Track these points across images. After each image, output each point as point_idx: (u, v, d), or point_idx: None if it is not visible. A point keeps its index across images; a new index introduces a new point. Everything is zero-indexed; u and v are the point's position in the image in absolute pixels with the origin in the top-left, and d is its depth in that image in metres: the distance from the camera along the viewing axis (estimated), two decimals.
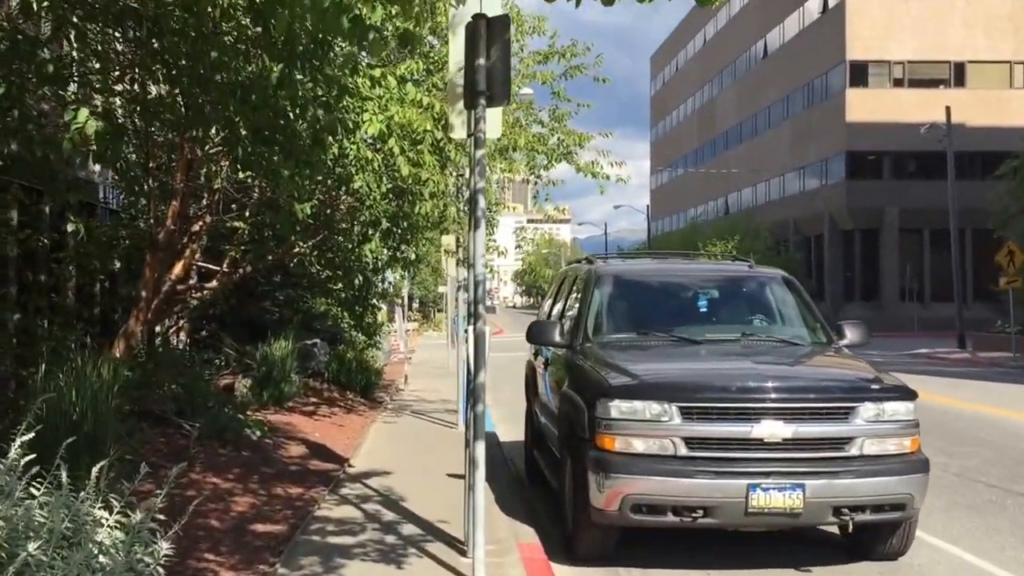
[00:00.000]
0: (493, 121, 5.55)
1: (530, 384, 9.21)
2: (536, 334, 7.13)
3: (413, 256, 11.99)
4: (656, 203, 79.54)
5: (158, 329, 13.53)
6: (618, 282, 7.48)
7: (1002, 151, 45.09)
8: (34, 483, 4.82)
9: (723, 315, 7.43)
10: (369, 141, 9.32)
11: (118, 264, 13.07)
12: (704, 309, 7.33)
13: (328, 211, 11.34)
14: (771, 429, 5.82)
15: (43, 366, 5.96)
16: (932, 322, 43.75)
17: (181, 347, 14.55)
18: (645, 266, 8.32)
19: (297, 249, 11.90)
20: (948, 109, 34.76)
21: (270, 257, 12.06)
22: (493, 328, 15.53)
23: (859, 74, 46.70)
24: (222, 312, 15.33)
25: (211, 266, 12.87)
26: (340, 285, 14.31)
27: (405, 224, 11.04)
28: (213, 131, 7.96)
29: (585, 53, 11.77)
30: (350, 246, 10.63)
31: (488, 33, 5.18)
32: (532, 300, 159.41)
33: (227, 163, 10.98)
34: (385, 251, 11.06)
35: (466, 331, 6.02)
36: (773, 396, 5.90)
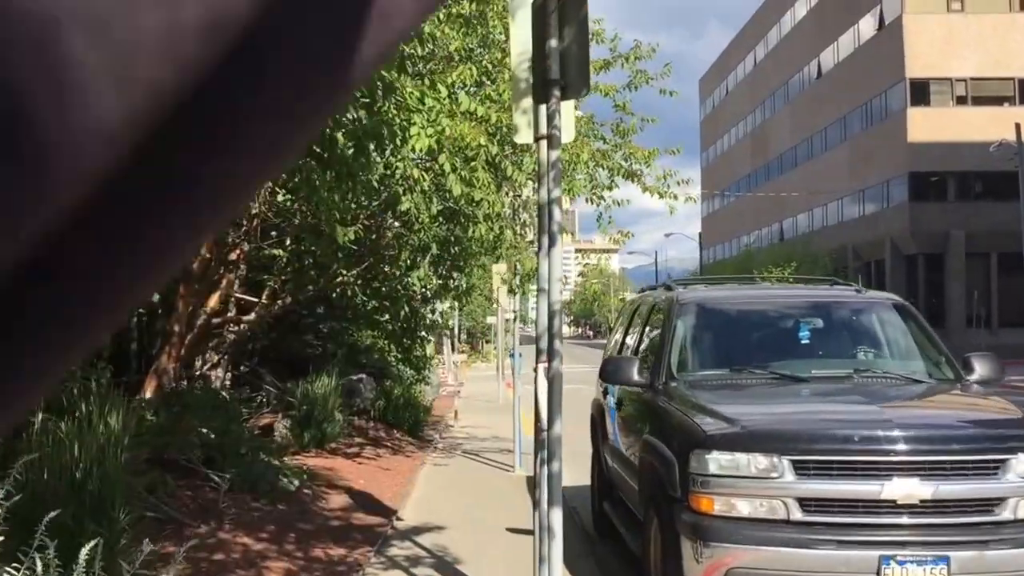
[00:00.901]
0: (567, 118, 4.62)
1: (598, 427, 8.19)
2: (612, 372, 6.15)
3: (464, 285, 11.07)
4: (707, 231, 78.00)
5: (198, 364, 12.82)
6: (705, 311, 6.46)
7: None
8: (10, 567, 3.93)
9: (830, 348, 6.37)
10: (417, 159, 8.47)
11: (156, 297, 12.40)
12: (806, 341, 6.28)
13: (373, 236, 10.51)
14: (906, 488, 4.76)
15: (39, 416, 5.11)
16: (1001, 349, 41.40)
17: (219, 384, 13.81)
18: (734, 293, 7.28)
19: (340, 278, 11.08)
20: (1018, 126, 33.21)
21: (311, 287, 11.25)
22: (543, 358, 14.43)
23: (920, 92, 45.13)
24: (262, 346, 14.56)
25: (249, 298, 12.10)
26: (387, 316, 13.46)
27: (456, 249, 10.15)
28: None
29: (651, 56, 10.81)
30: (397, 273, 9.76)
31: (561, 8, 4.27)
32: (580, 330, 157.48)
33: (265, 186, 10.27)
34: (434, 279, 10.16)
35: (535, 370, 5.07)
36: (906, 447, 4.85)
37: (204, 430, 8.53)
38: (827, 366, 6.08)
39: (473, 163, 8.76)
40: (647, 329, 7.11)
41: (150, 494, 6.38)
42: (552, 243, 4.54)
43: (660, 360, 6.12)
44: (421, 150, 8.07)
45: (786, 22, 60.96)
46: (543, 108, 4.83)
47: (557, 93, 4.39)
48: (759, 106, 67.04)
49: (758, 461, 4.82)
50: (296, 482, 8.42)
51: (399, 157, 8.31)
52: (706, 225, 79.89)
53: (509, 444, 13.55)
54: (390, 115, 6.38)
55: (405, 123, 7.99)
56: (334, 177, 5.86)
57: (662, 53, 11.42)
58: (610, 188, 11.16)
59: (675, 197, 11.41)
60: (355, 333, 16.63)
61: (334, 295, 11.15)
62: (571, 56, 4.30)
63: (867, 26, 49.11)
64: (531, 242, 10.92)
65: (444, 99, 7.98)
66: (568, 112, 4.68)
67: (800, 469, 4.79)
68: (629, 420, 6.64)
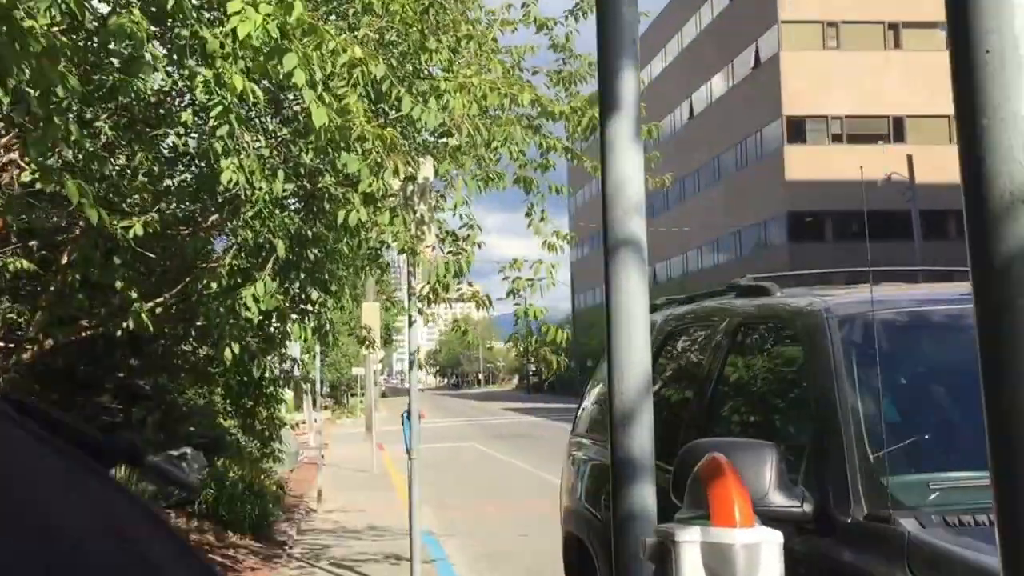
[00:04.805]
0: None
1: None
2: (686, 482, 2.42)
3: (327, 314, 7.23)
4: (577, 276, 76.15)
5: None
6: (912, 333, 2.86)
7: (947, 209, 43.03)
8: None
9: None
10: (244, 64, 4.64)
11: None
12: None
13: (185, 234, 6.55)
14: None
15: None
16: None
17: None
18: (922, 295, 3.55)
19: (135, 307, 7.02)
20: (910, 158, 31.90)
21: (85, 323, 7.15)
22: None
23: (796, 130, 44.05)
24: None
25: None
26: (220, 367, 9.41)
27: (316, 253, 6.30)
28: None
29: None
30: (214, 288, 5.80)
31: None
32: (446, 380, 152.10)
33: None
34: (282, 300, 6.17)
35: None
36: None
37: None
38: None
39: (346, 89, 5.05)
40: (723, 376, 3.47)
41: None
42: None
43: (826, 451, 2.49)
44: (247, 41, 4.30)
45: (656, 64, 60.00)
46: None
47: None
48: None
49: None
50: None
51: (209, 57, 4.49)
52: (575, 270, 78.06)
53: (394, 542, 9.70)
54: None
55: None
56: None
57: None
58: (545, 167, 7.65)
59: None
60: (186, 390, 12.45)
61: (119, 334, 7.05)
62: None
63: (742, 65, 48.12)
64: (431, 248, 7.18)
65: None
66: None
67: None
68: None
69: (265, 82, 5.55)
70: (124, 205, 6.45)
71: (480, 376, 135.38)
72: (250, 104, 5.12)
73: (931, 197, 40.08)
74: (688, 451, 2.70)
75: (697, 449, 2.72)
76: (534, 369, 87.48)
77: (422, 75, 6.25)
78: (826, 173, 43.24)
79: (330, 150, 5.60)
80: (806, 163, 43.75)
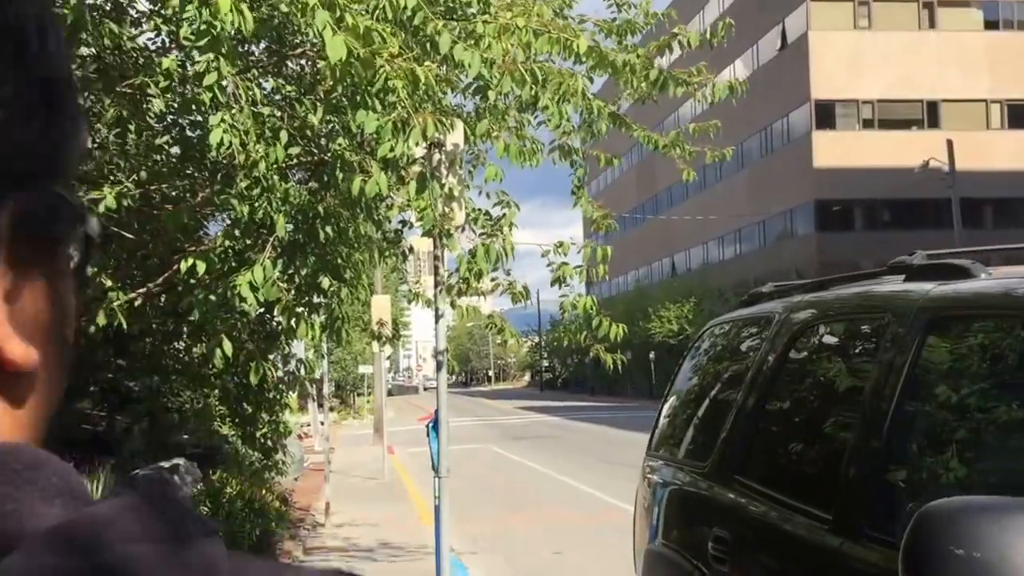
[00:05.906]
0: None
1: None
2: None
3: (339, 307, 6.05)
4: (590, 268, 74.92)
5: None
6: None
7: (984, 198, 41.43)
8: None
9: None
10: None
11: None
12: None
13: (171, 213, 5.39)
14: None
15: None
16: None
17: None
18: None
19: (108, 301, 5.87)
20: (950, 143, 30.48)
21: None
22: (423, 412, 9.54)
23: (825, 115, 42.58)
24: None
25: None
26: (213, 368, 8.26)
27: (328, 232, 5.12)
28: None
29: None
30: (204, 270, 4.61)
31: None
32: (455, 378, 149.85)
33: None
34: (284, 287, 4.93)
35: None
36: None
37: None
38: None
39: (368, 22, 3.89)
40: (909, 389, 2.30)
41: None
42: None
43: None
44: None
45: (676, 45, 58.44)
46: None
47: None
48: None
49: None
50: None
51: None
52: (588, 262, 76.91)
53: (413, 564, 8.62)
54: None
55: None
56: None
57: None
58: (588, 136, 6.51)
59: (689, 154, 7.09)
60: (180, 393, 11.32)
61: (93, 329, 5.91)
62: None
63: (768, 45, 46.66)
64: (460, 229, 6.00)
65: None
66: None
67: None
68: None
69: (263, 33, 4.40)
70: (110, 178, 5.35)
71: (490, 373, 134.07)
72: (241, 34, 3.96)
73: (967, 185, 38.70)
74: (933, 518, 1.56)
75: (945, 514, 1.57)
76: (547, 365, 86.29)
77: (456, 15, 5.09)
78: (856, 160, 41.81)
79: (344, 102, 4.46)
80: (835, 149, 42.29)
